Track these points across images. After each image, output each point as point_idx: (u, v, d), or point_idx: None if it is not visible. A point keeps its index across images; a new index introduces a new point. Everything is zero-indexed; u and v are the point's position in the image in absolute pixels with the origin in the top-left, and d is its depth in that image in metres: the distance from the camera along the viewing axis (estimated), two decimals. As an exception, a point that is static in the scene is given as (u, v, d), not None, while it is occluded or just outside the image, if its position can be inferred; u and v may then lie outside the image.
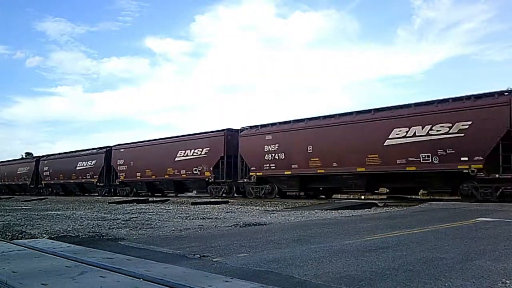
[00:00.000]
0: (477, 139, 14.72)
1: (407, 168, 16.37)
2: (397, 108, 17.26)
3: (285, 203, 18.16)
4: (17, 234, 8.20)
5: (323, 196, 21.23)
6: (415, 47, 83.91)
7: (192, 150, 25.29)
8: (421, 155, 15.98)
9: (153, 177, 28.02)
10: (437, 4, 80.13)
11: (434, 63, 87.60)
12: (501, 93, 14.85)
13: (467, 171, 15.00)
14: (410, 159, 16.24)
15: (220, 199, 22.07)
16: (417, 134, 16.11)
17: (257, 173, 21.13)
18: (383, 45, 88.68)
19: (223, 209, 16.04)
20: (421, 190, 18.27)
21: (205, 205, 18.57)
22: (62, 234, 7.98)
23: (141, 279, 4.01)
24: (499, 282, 3.86)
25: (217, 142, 23.84)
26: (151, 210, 15.59)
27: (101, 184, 32.62)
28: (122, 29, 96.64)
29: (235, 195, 23.72)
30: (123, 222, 10.46)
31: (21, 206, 20.36)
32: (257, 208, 16.46)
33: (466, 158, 14.98)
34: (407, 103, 17.01)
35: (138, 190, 30.18)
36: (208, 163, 24.01)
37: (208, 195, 24.73)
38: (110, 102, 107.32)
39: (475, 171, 14.82)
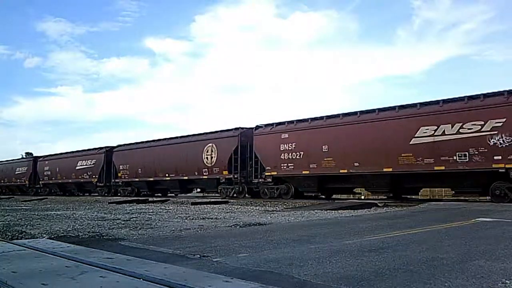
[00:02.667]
0: (97, 167, 32.41)
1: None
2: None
3: (285, 203, 18.16)
4: (17, 234, 8.20)
5: None
6: (415, 47, 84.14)
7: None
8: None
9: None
10: (436, 4, 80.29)
11: (434, 63, 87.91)
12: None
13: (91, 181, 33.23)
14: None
15: (220, 199, 21.97)
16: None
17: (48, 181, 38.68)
18: (383, 45, 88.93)
19: (223, 209, 16.05)
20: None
21: (205, 205, 18.58)
22: (62, 234, 7.98)
23: (141, 279, 4.01)
24: (499, 282, 3.86)
25: None
26: (151, 210, 15.59)
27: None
28: (122, 29, 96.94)
29: None
30: (123, 222, 10.47)
31: (21, 206, 20.37)
32: (257, 208, 16.46)
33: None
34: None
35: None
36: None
37: None
38: (110, 102, 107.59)
39: (95, 182, 32.17)
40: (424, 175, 16.54)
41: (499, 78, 78.97)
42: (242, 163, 22.40)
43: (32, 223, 10.27)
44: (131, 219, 11.35)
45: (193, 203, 19.36)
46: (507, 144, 14.32)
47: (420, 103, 16.91)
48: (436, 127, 15.85)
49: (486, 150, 14.69)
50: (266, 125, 21.92)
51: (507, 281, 3.87)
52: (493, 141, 14.60)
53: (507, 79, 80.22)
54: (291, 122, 20.92)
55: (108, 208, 17.87)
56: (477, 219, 9.64)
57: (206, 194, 28.05)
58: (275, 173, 20.76)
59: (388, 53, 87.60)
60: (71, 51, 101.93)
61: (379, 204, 16.38)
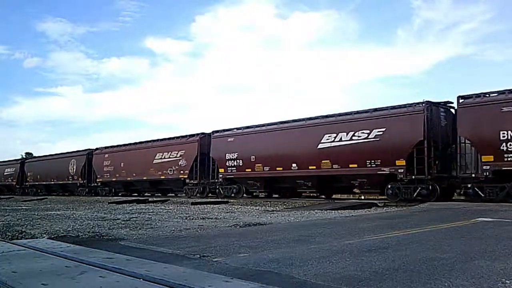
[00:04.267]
0: (15, 173, 45.06)
1: None
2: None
3: (285, 203, 18.19)
4: (17, 234, 8.20)
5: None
6: (415, 47, 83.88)
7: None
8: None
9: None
10: (436, 4, 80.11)
11: (434, 64, 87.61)
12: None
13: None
14: None
15: (220, 199, 22.26)
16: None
17: None
18: (383, 45, 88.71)
19: (223, 209, 16.05)
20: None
21: (205, 205, 18.59)
22: (62, 234, 7.97)
23: (141, 279, 4.01)
24: (499, 282, 3.86)
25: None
26: (151, 210, 15.59)
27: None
28: (122, 29, 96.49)
29: None
30: (123, 222, 10.46)
31: (21, 206, 20.37)
32: (257, 208, 16.47)
33: None
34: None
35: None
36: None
37: None
38: (110, 102, 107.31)
39: (15, 184, 44.13)
40: (158, 181, 28.89)
41: (499, 78, 78.87)
42: (89, 173, 34.69)
43: (32, 223, 10.27)
44: (131, 219, 11.35)
45: (193, 203, 19.39)
46: (185, 165, 26.24)
47: (159, 139, 29.44)
48: (162, 154, 27.99)
49: (177, 167, 26.74)
50: (103, 148, 34.45)
51: (507, 281, 3.87)
52: (180, 163, 26.56)
53: (507, 79, 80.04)
54: (111, 147, 33.79)
55: (108, 208, 17.87)
56: (477, 219, 9.64)
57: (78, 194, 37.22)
58: (101, 179, 33.56)
59: (388, 53, 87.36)
60: (71, 51, 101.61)
61: (379, 204, 16.45)
